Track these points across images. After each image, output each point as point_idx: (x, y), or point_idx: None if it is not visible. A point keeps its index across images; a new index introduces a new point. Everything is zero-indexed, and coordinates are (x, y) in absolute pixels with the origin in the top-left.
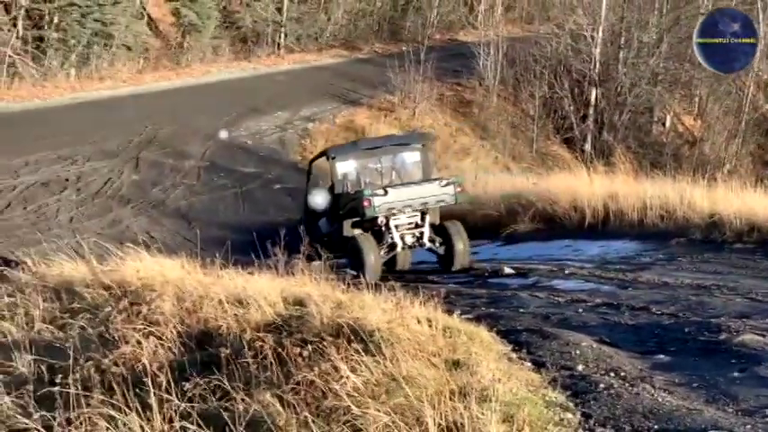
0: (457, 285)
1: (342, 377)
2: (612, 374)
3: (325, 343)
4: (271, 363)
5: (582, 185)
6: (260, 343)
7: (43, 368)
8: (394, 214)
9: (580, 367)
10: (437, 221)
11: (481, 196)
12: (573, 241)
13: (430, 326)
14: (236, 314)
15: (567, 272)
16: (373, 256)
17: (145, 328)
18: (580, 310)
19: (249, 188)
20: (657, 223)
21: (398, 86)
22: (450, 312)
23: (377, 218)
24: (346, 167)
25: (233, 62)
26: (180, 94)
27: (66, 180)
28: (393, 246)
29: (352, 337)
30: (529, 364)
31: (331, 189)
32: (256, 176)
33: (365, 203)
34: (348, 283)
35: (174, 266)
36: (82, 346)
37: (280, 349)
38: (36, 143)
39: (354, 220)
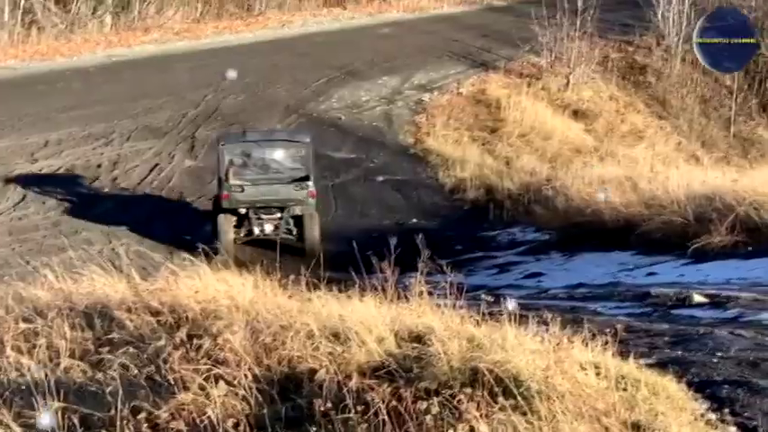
0: (628, 317)
1: None
2: None
3: (461, 396)
4: (383, 421)
5: None
6: (370, 394)
7: (75, 420)
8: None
9: None
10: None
11: (660, 196)
12: None
13: (598, 374)
14: (331, 353)
15: None
16: (228, 237)
17: (210, 370)
18: None
19: (343, 180)
20: None
21: (547, 45)
22: (623, 355)
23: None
24: (232, 155)
25: (322, 9)
26: (251, 52)
27: (99, 166)
28: (251, 231)
29: (496, 388)
30: (733, 429)
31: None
32: (353, 164)
33: (224, 196)
34: (482, 312)
35: (245, 285)
36: (125, 392)
37: (395, 402)
38: (58, 116)
39: None
